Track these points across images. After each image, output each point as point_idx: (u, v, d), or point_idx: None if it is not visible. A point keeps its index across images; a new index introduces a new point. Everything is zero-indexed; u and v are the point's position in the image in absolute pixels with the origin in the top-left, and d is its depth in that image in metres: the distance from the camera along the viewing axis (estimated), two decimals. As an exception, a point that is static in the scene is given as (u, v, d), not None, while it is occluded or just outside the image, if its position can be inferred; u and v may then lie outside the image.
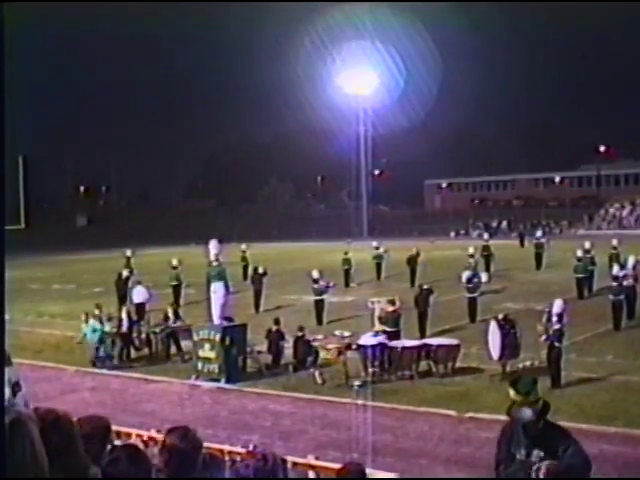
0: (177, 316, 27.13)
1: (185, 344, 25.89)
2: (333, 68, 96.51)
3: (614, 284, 30.01)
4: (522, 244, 68.24)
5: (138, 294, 33.60)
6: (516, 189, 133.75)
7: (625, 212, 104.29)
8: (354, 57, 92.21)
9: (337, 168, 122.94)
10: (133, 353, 26.92)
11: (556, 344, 21.11)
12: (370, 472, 10.31)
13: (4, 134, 3.46)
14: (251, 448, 10.50)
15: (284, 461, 5.32)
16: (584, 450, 7.36)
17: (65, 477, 3.86)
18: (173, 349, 26.57)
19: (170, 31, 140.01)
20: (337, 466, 11.51)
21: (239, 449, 11.95)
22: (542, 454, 7.25)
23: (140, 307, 32.58)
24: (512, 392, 7.47)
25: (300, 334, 23.75)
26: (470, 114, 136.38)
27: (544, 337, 21.45)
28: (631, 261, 32.65)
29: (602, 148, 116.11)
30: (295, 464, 11.23)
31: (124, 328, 26.55)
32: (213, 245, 24.66)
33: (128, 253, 46.48)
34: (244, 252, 48.68)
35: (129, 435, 12.73)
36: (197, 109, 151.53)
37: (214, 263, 24.27)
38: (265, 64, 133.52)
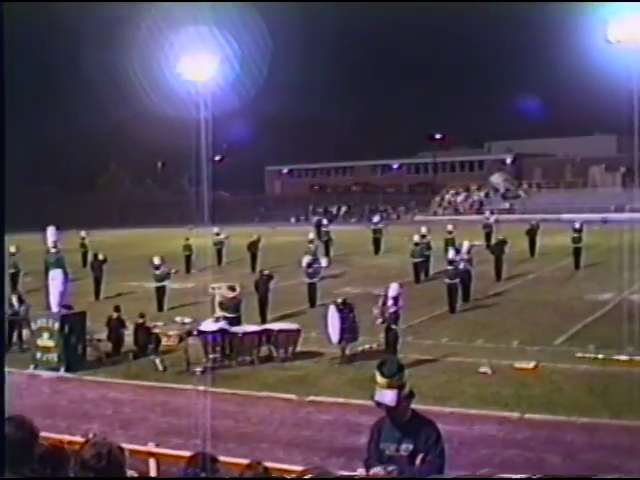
0: (21, 302, 26.07)
1: (24, 333, 25.30)
2: (171, 54, 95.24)
3: (449, 268, 30.85)
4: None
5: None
6: (355, 175, 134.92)
7: (460, 198, 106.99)
8: (192, 43, 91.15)
9: (177, 154, 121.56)
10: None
11: (392, 327, 21.64)
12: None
13: (4, 135, 3.41)
14: (90, 437, 10.43)
15: (122, 449, 5.33)
16: (443, 443, 7.34)
17: None
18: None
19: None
20: (178, 453, 11.58)
21: (78, 439, 11.85)
22: (411, 447, 7.18)
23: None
24: (377, 374, 7.30)
25: (140, 321, 23.59)
26: (310, 102, 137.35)
27: (380, 320, 21.95)
28: (466, 245, 33.47)
29: (438, 136, 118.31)
30: (135, 452, 11.19)
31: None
32: (51, 232, 24.36)
33: (-42, 240, 45.08)
34: (83, 239, 48.10)
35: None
36: (37, 96, 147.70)
37: (52, 250, 24.00)
38: (103, 52, 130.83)
